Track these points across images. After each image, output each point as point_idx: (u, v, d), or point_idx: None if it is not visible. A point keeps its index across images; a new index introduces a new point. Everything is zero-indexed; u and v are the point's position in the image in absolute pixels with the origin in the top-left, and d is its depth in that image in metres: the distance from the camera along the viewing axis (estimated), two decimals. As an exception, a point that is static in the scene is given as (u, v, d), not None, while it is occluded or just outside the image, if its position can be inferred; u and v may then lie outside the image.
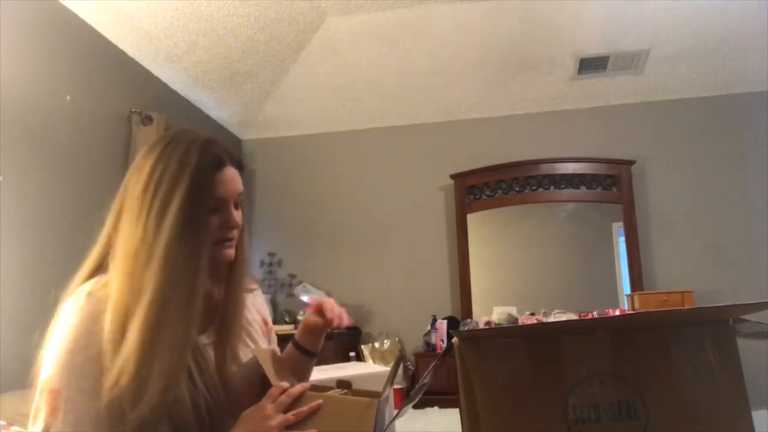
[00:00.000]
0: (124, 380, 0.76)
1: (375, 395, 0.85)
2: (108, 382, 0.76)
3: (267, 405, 0.83)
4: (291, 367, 1.02)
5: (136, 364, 0.76)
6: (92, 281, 0.85)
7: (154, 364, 0.77)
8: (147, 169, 0.88)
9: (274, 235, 4.10)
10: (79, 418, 0.76)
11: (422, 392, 0.77)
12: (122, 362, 0.77)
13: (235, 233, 0.95)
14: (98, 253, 0.90)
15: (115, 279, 0.83)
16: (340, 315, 1.01)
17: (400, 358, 0.99)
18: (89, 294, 0.83)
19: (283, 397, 0.85)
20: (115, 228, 0.88)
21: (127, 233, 0.85)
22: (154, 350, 0.78)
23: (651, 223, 3.68)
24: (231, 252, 0.95)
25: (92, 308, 0.81)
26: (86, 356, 0.78)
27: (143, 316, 0.79)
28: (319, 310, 1.03)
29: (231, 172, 0.92)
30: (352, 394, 0.90)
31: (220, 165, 0.90)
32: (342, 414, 0.82)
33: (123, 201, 0.89)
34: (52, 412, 0.76)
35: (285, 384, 0.86)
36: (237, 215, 0.94)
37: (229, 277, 1.00)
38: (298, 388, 0.86)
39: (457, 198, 3.84)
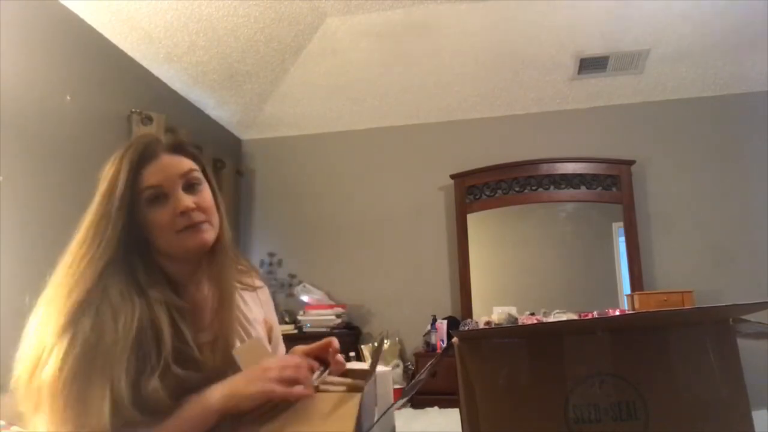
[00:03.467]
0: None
1: (359, 389, 0.83)
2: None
3: (271, 362, 0.84)
4: None
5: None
6: None
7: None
8: None
9: (274, 235, 4.10)
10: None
11: (417, 388, 0.77)
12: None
13: (196, 216, 0.92)
14: None
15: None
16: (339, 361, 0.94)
17: (380, 345, 0.97)
18: None
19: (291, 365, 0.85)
20: None
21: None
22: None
23: (651, 223, 3.68)
24: (204, 236, 0.92)
25: None
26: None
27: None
28: (321, 351, 0.96)
29: (164, 159, 0.92)
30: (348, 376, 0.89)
31: (147, 157, 0.91)
32: (323, 409, 0.80)
33: None
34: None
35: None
36: (193, 197, 0.92)
37: (210, 267, 0.97)
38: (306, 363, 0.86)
39: (457, 198, 3.84)
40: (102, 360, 0.78)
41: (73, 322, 0.81)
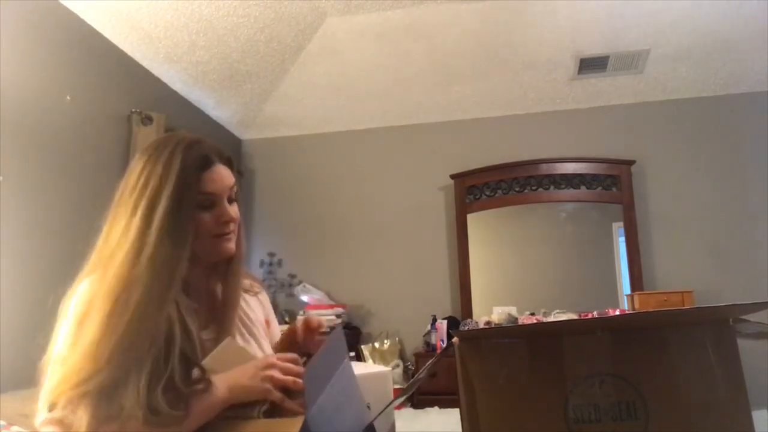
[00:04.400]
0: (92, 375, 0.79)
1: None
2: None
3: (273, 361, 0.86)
4: None
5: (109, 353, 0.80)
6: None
7: (130, 354, 0.80)
8: (135, 173, 0.93)
9: (274, 235, 4.10)
10: None
11: (416, 387, 0.77)
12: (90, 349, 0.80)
13: (232, 227, 0.99)
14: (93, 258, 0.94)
15: (101, 279, 0.86)
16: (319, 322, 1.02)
17: (332, 331, 0.96)
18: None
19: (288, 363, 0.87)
20: (107, 232, 0.92)
21: (116, 236, 0.89)
22: (132, 343, 0.81)
23: (651, 223, 3.68)
24: (231, 246, 0.99)
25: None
26: None
27: (131, 310, 0.82)
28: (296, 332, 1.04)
29: (220, 169, 0.97)
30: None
31: (207, 163, 0.95)
32: None
33: (115, 206, 0.93)
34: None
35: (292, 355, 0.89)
36: (231, 209, 0.98)
37: (224, 272, 1.03)
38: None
39: (457, 198, 3.84)
40: (136, 362, 0.81)
41: (154, 314, 0.84)
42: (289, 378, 0.84)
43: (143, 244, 0.86)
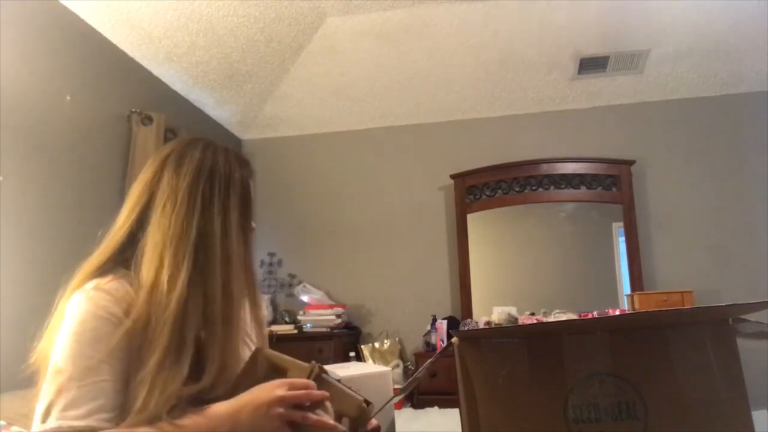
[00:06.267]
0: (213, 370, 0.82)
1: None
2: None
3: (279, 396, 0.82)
4: None
5: (222, 352, 0.84)
6: (96, 279, 0.88)
7: (230, 352, 0.86)
8: (192, 168, 0.94)
9: (274, 235, 4.10)
10: (81, 395, 0.78)
11: (414, 385, 0.78)
12: (212, 351, 0.84)
13: None
14: (114, 244, 0.92)
15: (158, 267, 0.86)
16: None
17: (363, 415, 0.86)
18: (96, 287, 0.86)
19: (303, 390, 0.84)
20: (144, 219, 0.91)
21: (176, 223, 0.89)
22: (230, 337, 0.86)
23: (651, 223, 3.68)
24: None
25: (100, 297, 0.85)
26: (92, 336, 0.81)
27: (220, 307, 0.86)
28: None
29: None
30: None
31: (252, 173, 1.02)
32: None
33: (154, 193, 0.93)
34: (58, 390, 0.78)
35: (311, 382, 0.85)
36: None
37: None
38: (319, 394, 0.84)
39: (457, 198, 3.84)
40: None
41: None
42: (297, 414, 0.80)
43: (233, 246, 0.90)
